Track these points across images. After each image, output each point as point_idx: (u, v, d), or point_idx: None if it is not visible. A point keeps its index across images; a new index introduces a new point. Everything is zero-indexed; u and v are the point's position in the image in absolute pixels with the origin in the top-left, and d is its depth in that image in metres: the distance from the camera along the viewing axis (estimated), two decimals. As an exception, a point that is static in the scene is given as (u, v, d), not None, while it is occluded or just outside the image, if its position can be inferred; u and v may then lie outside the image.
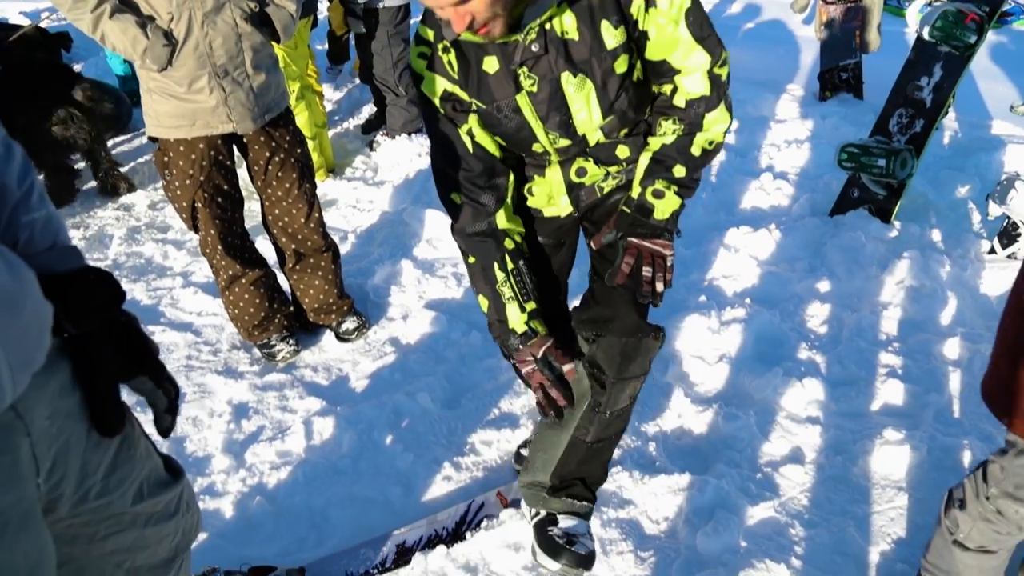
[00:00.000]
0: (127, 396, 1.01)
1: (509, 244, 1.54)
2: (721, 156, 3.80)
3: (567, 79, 1.41)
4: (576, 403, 1.53)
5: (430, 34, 1.45)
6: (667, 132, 1.48)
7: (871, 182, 3.08)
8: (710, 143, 1.49)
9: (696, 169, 1.51)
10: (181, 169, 2.27)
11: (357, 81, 4.88)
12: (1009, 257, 2.78)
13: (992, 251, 2.82)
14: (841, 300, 2.65)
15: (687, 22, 1.37)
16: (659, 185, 1.48)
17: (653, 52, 1.41)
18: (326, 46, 5.25)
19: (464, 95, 1.46)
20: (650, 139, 1.53)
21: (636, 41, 1.42)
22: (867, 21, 4.16)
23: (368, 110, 4.61)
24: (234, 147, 2.38)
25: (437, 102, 1.48)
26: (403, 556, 1.80)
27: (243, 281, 2.47)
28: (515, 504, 1.87)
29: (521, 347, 1.50)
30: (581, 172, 1.59)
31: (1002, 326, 1.34)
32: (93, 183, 3.85)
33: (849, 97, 4.33)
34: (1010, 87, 4.48)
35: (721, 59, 1.42)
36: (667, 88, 1.47)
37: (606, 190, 1.62)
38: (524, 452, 2.00)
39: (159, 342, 2.65)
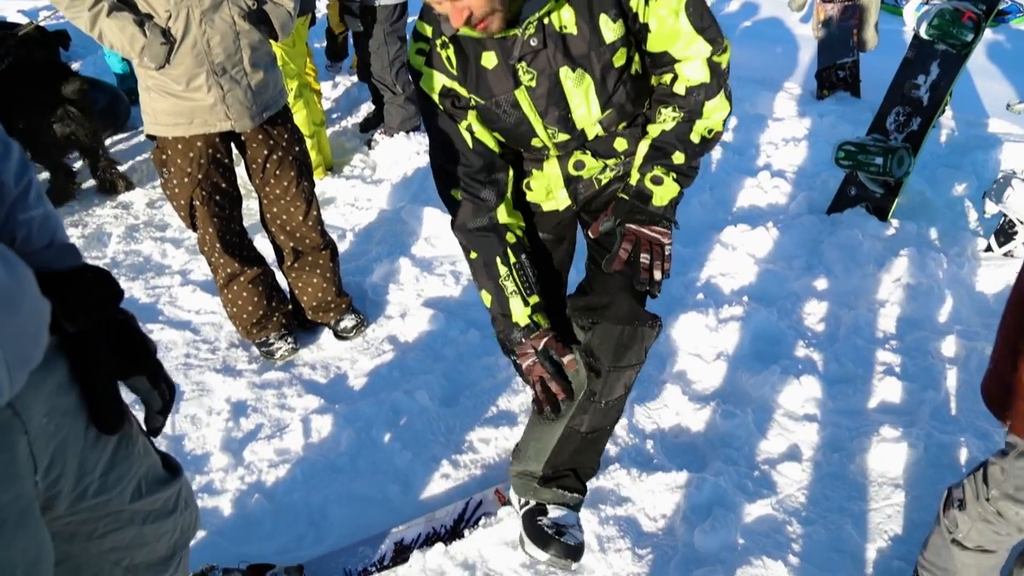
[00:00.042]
0: (124, 394, 1.01)
1: (511, 238, 1.54)
2: (719, 154, 3.80)
3: (566, 74, 1.41)
4: (575, 392, 1.53)
5: (428, 30, 1.45)
6: (666, 119, 1.48)
7: (868, 180, 3.08)
8: (709, 131, 1.49)
9: (695, 157, 1.50)
10: (179, 167, 2.26)
11: (355, 79, 4.88)
12: (1005, 255, 2.79)
13: (989, 249, 2.83)
14: (838, 298, 2.65)
15: (687, 13, 1.37)
16: (658, 171, 1.48)
17: (654, 44, 1.41)
18: (324, 44, 5.25)
19: (463, 91, 1.46)
20: (649, 127, 1.52)
21: (636, 34, 1.42)
22: (864, 19, 4.16)
23: (366, 108, 4.61)
24: (232, 145, 2.38)
25: (436, 98, 1.48)
26: (401, 554, 1.80)
27: (241, 279, 2.47)
28: (513, 502, 1.87)
29: (523, 340, 1.51)
30: (579, 165, 1.59)
31: (1002, 326, 1.33)
32: (92, 182, 3.85)
33: (846, 95, 4.34)
34: (1007, 85, 4.48)
35: (722, 48, 1.42)
36: (667, 77, 1.47)
37: (604, 182, 1.62)
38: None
39: (157, 340, 2.65)
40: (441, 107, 1.49)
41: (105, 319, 0.97)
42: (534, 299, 1.52)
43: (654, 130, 1.50)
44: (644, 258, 1.44)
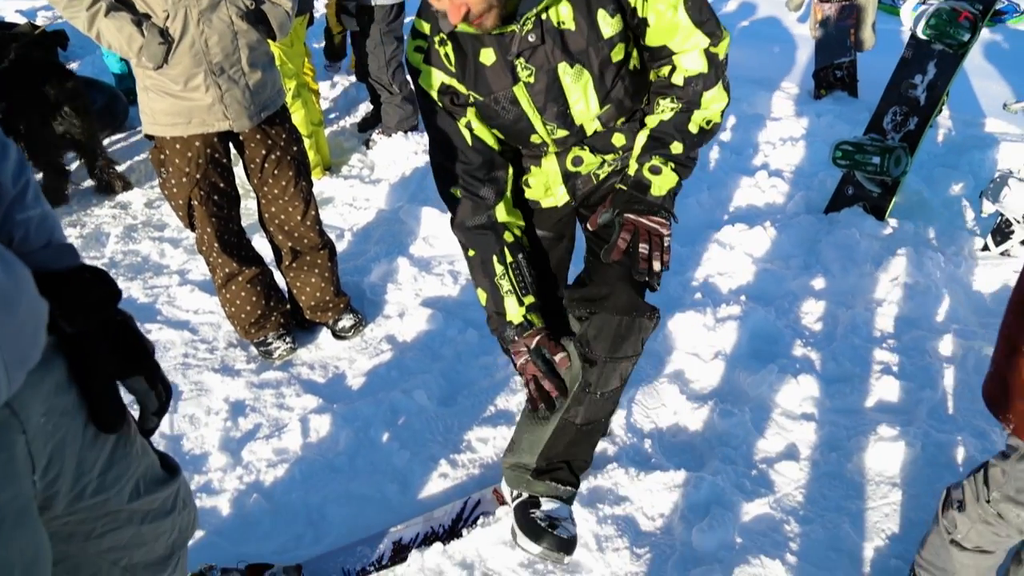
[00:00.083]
0: (122, 395, 1.01)
1: (508, 237, 1.54)
2: (716, 153, 3.81)
3: (564, 69, 1.41)
4: (568, 384, 1.52)
5: (426, 27, 1.45)
6: (665, 110, 1.48)
7: (865, 180, 3.09)
8: (708, 122, 1.49)
9: (693, 147, 1.50)
10: (177, 167, 2.26)
11: (353, 79, 4.88)
12: (1002, 254, 2.79)
13: (985, 248, 2.83)
14: (836, 297, 2.66)
15: (686, 7, 1.38)
16: (656, 161, 1.47)
17: (653, 38, 1.42)
18: (323, 44, 5.25)
19: (461, 88, 1.46)
20: (647, 118, 1.52)
21: (634, 29, 1.42)
22: (862, 19, 4.17)
23: (364, 108, 4.61)
24: (230, 145, 2.38)
25: (435, 95, 1.48)
26: (400, 553, 1.80)
27: (240, 279, 2.47)
28: (511, 501, 1.87)
29: (517, 338, 1.51)
30: (577, 161, 1.59)
31: (1004, 327, 1.33)
32: (90, 182, 3.85)
33: (844, 95, 4.35)
34: (1004, 85, 4.49)
35: (720, 39, 1.42)
36: (665, 70, 1.47)
37: (602, 177, 1.62)
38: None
39: (156, 340, 2.66)
40: (440, 104, 1.49)
41: (103, 319, 0.97)
42: (529, 299, 1.52)
43: (652, 121, 1.50)
44: (643, 248, 1.42)
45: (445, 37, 1.42)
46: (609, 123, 1.53)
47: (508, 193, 1.57)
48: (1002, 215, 2.76)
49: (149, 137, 2.29)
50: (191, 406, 2.36)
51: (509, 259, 1.53)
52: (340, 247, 3.16)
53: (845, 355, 2.37)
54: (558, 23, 1.38)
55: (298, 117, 3.47)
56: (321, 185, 3.70)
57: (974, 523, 1.42)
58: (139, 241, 3.35)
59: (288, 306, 2.63)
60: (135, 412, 1.08)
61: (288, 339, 2.58)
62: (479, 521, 1.86)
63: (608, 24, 1.38)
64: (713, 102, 1.47)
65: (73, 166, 3.91)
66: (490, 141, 1.52)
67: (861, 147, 3.01)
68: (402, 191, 3.58)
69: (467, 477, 2.05)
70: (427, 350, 2.55)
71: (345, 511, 1.96)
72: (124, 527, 1.03)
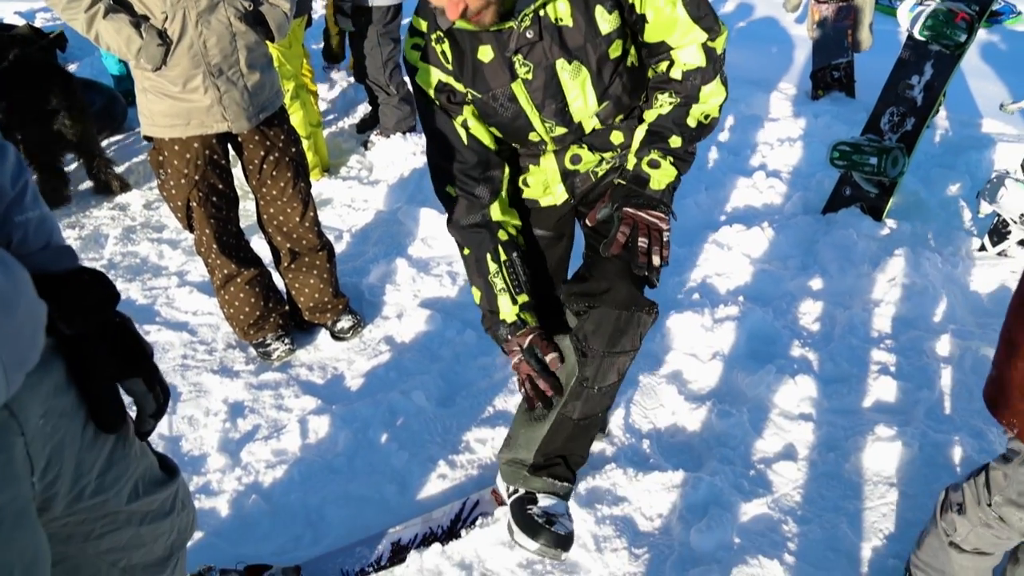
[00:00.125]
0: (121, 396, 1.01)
1: (503, 236, 1.54)
2: (714, 154, 3.81)
3: (562, 66, 1.41)
4: (564, 380, 1.51)
5: (423, 25, 1.45)
6: (663, 104, 1.48)
7: (863, 180, 3.10)
8: (706, 116, 1.48)
9: (692, 141, 1.50)
10: (176, 168, 2.27)
11: (352, 80, 4.88)
12: (999, 254, 2.80)
13: (982, 248, 2.84)
14: (833, 298, 2.66)
15: (684, 2, 1.38)
16: (655, 155, 1.47)
17: (651, 34, 1.42)
18: (321, 45, 5.25)
19: (459, 86, 1.46)
20: (645, 113, 1.52)
21: (632, 25, 1.42)
22: (859, 20, 4.18)
23: (363, 109, 4.61)
24: (229, 146, 2.39)
25: (432, 93, 1.48)
26: (398, 554, 1.81)
27: (238, 280, 2.47)
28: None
29: (510, 337, 1.51)
30: (576, 159, 1.59)
31: (1005, 330, 1.32)
32: (88, 183, 3.85)
33: (841, 96, 4.36)
34: (1000, 85, 4.50)
35: (718, 34, 1.43)
36: (663, 65, 1.47)
37: (600, 175, 1.62)
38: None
39: (154, 341, 2.66)
40: (437, 102, 1.49)
41: (102, 321, 0.97)
42: (523, 298, 1.52)
43: (650, 115, 1.50)
44: (642, 242, 1.41)
45: (442, 34, 1.42)
46: (607, 120, 1.53)
47: (504, 193, 1.57)
48: (999, 215, 2.77)
49: (148, 138, 2.29)
50: (190, 407, 2.36)
51: (503, 257, 1.53)
52: (339, 248, 3.17)
53: (843, 355, 2.38)
54: (556, 19, 1.38)
55: (296, 118, 3.47)
56: (320, 186, 3.70)
57: (974, 526, 1.42)
58: (138, 242, 3.36)
59: (287, 307, 2.63)
60: (133, 414, 1.08)
61: (287, 340, 2.58)
62: (478, 522, 1.86)
63: (606, 20, 1.39)
64: (711, 96, 1.47)
65: (72, 167, 3.91)
66: (486, 140, 1.52)
67: (858, 148, 3.02)
68: (400, 192, 3.58)
69: (465, 478, 2.05)
70: (425, 351, 2.56)
71: (344, 512, 1.96)
72: (123, 528, 1.03)
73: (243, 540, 1.90)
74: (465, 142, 1.50)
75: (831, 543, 1.79)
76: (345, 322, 2.64)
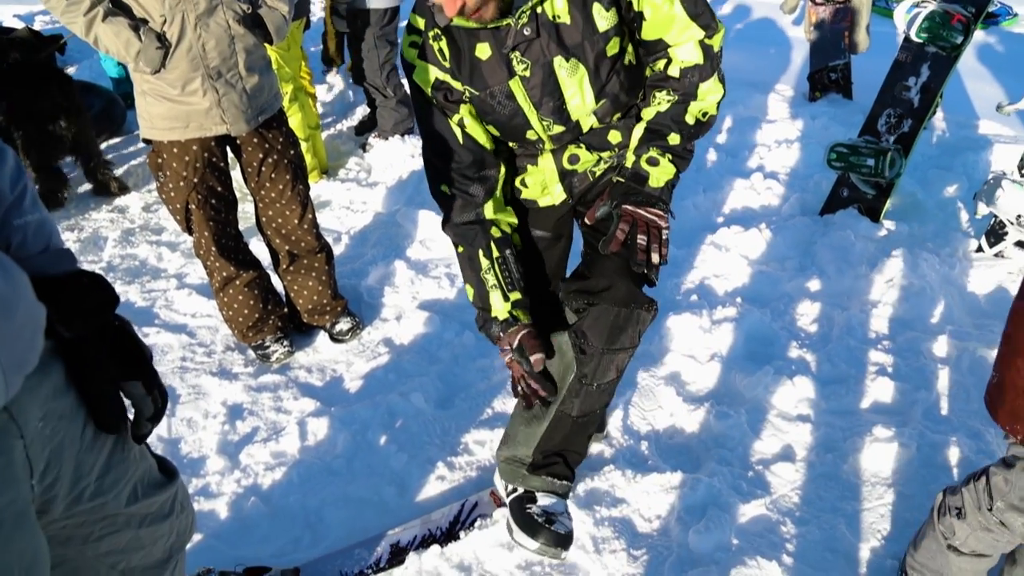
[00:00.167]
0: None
1: (496, 233, 1.54)
2: (712, 156, 3.82)
3: (560, 63, 1.41)
4: (561, 377, 1.51)
5: (421, 23, 1.45)
6: (661, 102, 1.48)
7: (860, 182, 3.10)
8: (704, 113, 1.49)
9: (690, 138, 1.50)
10: (175, 171, 2.27)
11: (350, 82, 4.89)
12: (996, 256, 2.81)
13: (980, 249, 2.85)
14: (831, 299, 2.67)
15: (681, 0, 1.39)
16: (653, 153, 1.47)
17: (649, 32, 1.42)
18: (320, 48, 5.25)
19: (457, 84, 1.46)
20: (643, 111, 1.52)
21: (630, 23, 1.43)
22: (856, 22, 4.19)
23: (361, 112, 4.61)
24: (228, 149, 2.39)
25: (429, 91, 1.48)
26: (397, 556, 1.81)
27: (237, 283, 2.47)
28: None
29: (501, 335, 1.50)
30: (573, 159, 1.59)
31: (1006, 336, 1.32)
32: (87, 186, 3.85)
33: (838, 97, 4.37)
34: (997, 87, 4.51)
35: (715, 31, 1.43)
36: (660, 64, 1.47)
37: (598, 174, 1.62)
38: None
39: (153, 344, 2.66)
40: (434, 101, 1.49)
41: (101, 324, 0.98)
42: (515, 295, 1.51)
43: (648, 113, 1.50)
44: (641, 239, 1.41)
45: (440, 32, 1.42)
46: (605, 119, 1.53)
47: (498, 192, 1.57)
48: (996, 216, 2.77)
49: (147, 141, 2.30)
50: (189, 410, 2.36)
51: (495, 254, 1.52)
52: (337, 250, 3.17)
53: (840, 356, 2.38)
54: (553, 16, 1.38)
55: (295, 121, 3.48)
56: (318, 188, 3.70)
57: (974, 530, 1.42)
58: (137, 245, 3.36)
59: (285, 309, 2.64)
60: (131, 417, 1.08)
61: (285, 342, 2.58)
62: (477, 523, 1.87)
63: (603, 18, 1.39)
64: (709, 93, 1.47)
65: (73, 174, 3.91)
66: (482, 140, 1.52)
67: (856, 149, 3.03)
68: (399, 194, 3.59)
69: (464, 479, 2.05)
70: (424, 353, 2.56)
71: (343, 514, 1.96)
72: (122, 530, 1.03)
73: (242, 542, 1.90)
74: (460, 141, 1.50)
75: (829, 544, 1.79)
76: (344, 324, 2.65)
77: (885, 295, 2.64)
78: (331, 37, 4.99)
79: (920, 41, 2.91)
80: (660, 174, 1.47)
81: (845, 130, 3.78)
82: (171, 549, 1.13)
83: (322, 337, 2.67)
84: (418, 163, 3.79)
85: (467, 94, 1.47)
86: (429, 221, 3.23)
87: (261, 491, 2.05)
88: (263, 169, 2.39)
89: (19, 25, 4.34)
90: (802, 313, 2.62)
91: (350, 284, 2.94)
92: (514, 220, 1.61)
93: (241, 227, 2.53)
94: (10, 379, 0.78)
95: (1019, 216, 2.66)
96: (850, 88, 4.36)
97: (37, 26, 5.62)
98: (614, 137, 1.57)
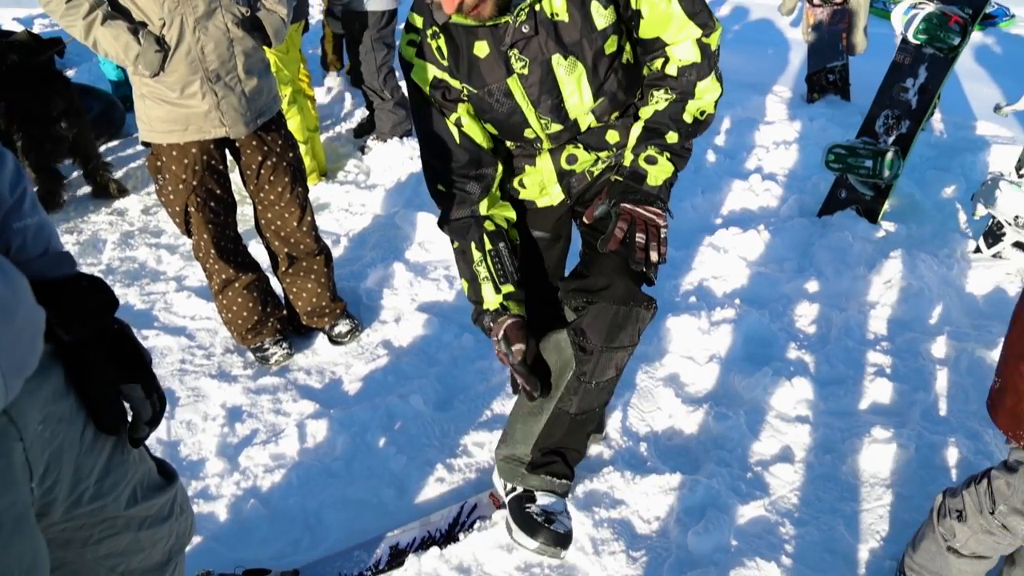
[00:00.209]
0: (120, 400, 1.02)
1: (489, 226, 1.54)
2: (710, 157, 3.83)
3: (558, 61, 1.42)
4: (559, 373, 1.51)
5: (419, 21, 1.46)
6: (659, 100, 1.48)
7: (858, 183, 3.11)
8: (701, 112, 1.49)
9: (688, 137, 1.50)
10: (174, 174, 2.27)
11: (349, 85, 4.90)
12: (994, 256, 2.81)
13: (978, 250, 2.85)
14: (829, 300, 2.67)
15: None
16: (652, 151, 1.47)
17: (646, 30, 1.43)
18: (318, 51, 5.26)
19: (455, 82, 1.46)
20: (641, 110, 1.52)
21: (628, 21, 1.43)
22: (854, 23, 4.20)
23: (360, 114, 4.62)
24: (227, 151, 2.39)
25: (427, 90, 1.48)
26: (396, 558, 1.81)
27: (236, 285, 2.47)
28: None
29: (491, 325, 1.50)
30: (572, 159, 1.59)
31: (1009, 341, 1.31)
32: (86, 189, 3.85)
33: (836, 99, 4.38)
34: (994, 88, 4.53)
35: (712, 29, 1.44)
36: (658, 63, 1.48)
37: (596, 174, 1.62)
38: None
39: (153, 346, 2.66)
40: (431, 99, 1.49)
41: (100, 327, 0.98)
42: (507, 288, 1.50)
43: (646, 112, 1.50)
44: (640, 238, 1.41)
45: (438, 30, 1.43)
46: (603, 117, 1.53)
47: (495, 189, 1.57)
48: (994, 217, 2.78)
49: (146, 144, 2.30)
50: (188, 412, 2.36)
51: (488, 247, 1.52)
52: (336, 253, 3.17)
53: (839, 358, 2.38)
54: (552, 14, 1.39)
55: (294, 123, 3.48)
56: (317, 191, 3.71)
57: (975, 533, 1.42)
58: (136, 248, 3.36)
59: (284, 312, 2.64)
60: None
61: (284, 345, 2.58)
62: (476, 525, 1.87)
63: (601, 16, 1.39)
64: (707, 92, 1.48)
65: (72, 177, 3.92)
66: (480, 139, 1.52)
67: (854, 150, 3.03)
68: (398, 196, 3.59)
69: (464, 481, 2.05)
70: (423, 355, 2.56)
71: (342, 516, 1.96)
72: (121, 533, 1.03)
73: (241, 544, 1.90)
74: (457, 140, 1.51)
75: (828, 545, 1.80)
76: (343, 326, 2.65)
77: (883, 296, 2.65)
78: (328, 40, 4.99)
79: (918, 42, 2.92)
80: (658, 172, 1.47)
81: (843, 131, 3.79)
82: (170, 551, 1.13)
83: (321, 339, 2.67)
84: (417, 165, 3.80)
85: (465, 92, 1.47)
86: (428, 223, 3.24)
87: (260, 493, 2.05)
88: (262, 172, 2.39)
89: (18, 28, 4.34)
90: (800, 314, 2.62)
91: (349, 286, 2.94)
92: (511, 215, 1.61)
93: (240, 229, 2.53)
94: (10, 382, 0.79)
95: (1017, 217, 2.67)
96: (848, 89, 4.37)
97: (36, 29, 5.63)
98: (612, 137, 1.57)
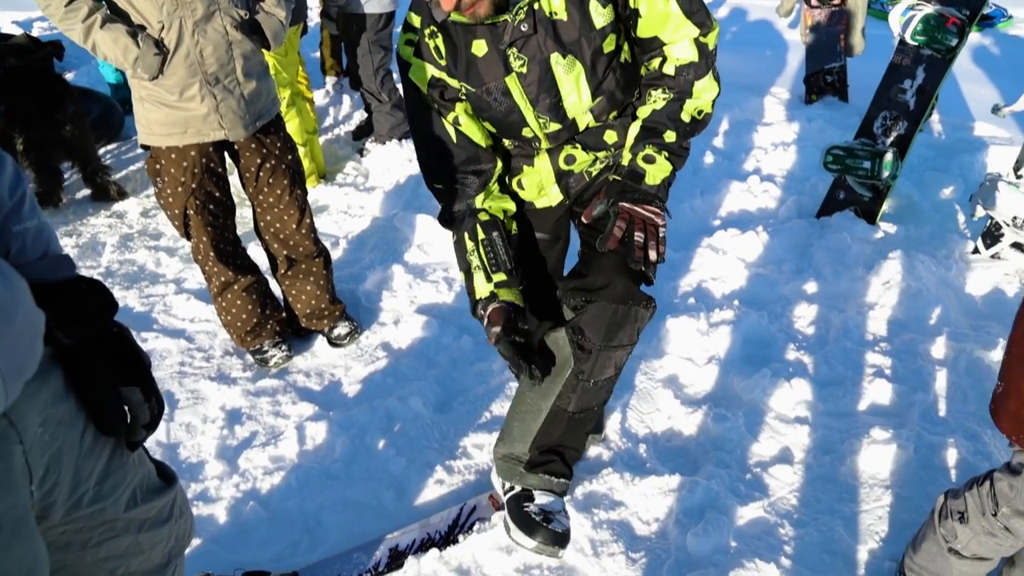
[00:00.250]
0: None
1: (483, 216, 1.54)
2: (708, 159, 3.83)
3: (556, 59, 1.42)
4: (557, 371, 1.50)
5: (417, 20, 1.46)
6: (657, 100, 1.49)
7: (856, 184, 3.11)
8: (699, 111, 1.49)
9: (686, 136, 1.50)
10: (173, 176, 2.27)
11: (348, 87, 4.90)
12: (993, 257, 2.82)
13: (976, 251, 2.86)
14: (828, 301, 2.68)
15: None
16: (650, 150, 1.47)
17: (644, 29, 1.43)
18: (317, 54, 5.26)
19: (453, 81, 1.46)
20: (639, 109, 1.52)
21: (626, 20, 1.43)
22: (851, 25, 4.21)
23: (359, 116, 4.62)
24: (225, 154, 2.40)
25: (425, 89, 1.48)
26: (396, 560, 1.81)
27: (235, 287, 2.47)
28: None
29: (482, 312, 1.49)
30: (570, 160, 1.59)
31: (1012, 344, 1.31)
32: (85, 191, 3.85)
33: (834, 100, 4.39)
34: (992, 89, 4.54)
35: (709, 29, 1.44)
36: (656, 62, 1.48)
37: (594, 174, 1.63)
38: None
39: (152, 349, 2.66)
40: (429, 98, 1.49)
41: (100, 330, 0.98)
42: (499, 276, 1.49)
43: (644, 111, 1.51)
44: (638, 236, 1.41)
45: (435, 29, 1.43)
46: (601, 117, 1.53)
47: (492, 184, 1.57)
48: (992, 218, 2.79)
49: (145, 147, 2.30)
50: (187, 414, 2.36)
51: (481, 236, 1.52)
52: (335, 255, 3.17)
53: (837, 358, 2.39)
54: (550, 13, 1.39)
55: (293, 126, 3.49)
56: (316, 193, 3.71)
57: (977, 534, 1.42)
58: (135, 250, 3.36)
59: (284, 314, 2.64)
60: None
61: (284, 347, 2.58)
62: (475, 527, 1.87)
63: (600, 14, 1.40)
64: (704, 91, 1.48)
65: (71, 179, 3.92)
66: (477, 137, 1.52)
67: (852, 151, 3.04)
68: (396, 198, 3.60)
69: (463, 483, 2.05)
70: (422, 357, 2.56)
71: (341, 518, 1.96)
72: (121, 536, 1.03)
73: (241, 547, 1.90)
74: (454, 139, 1.51)
75: (827, 546, 1.80)
76: (342, 328, 2.65)
77: (882, 297, 2.65)
78: (326, 45, 4.99)
79: (915, 44, 2.93)
80: (657, 171, 1.48)
81: (841, 132, 3.79)
82: (170, 554, 1.13)
83: (320, 341, 2.67)
84: (415, 167, 3.80)
85: (463, 91, 1.47)
86: (427, 225, 3.24)
87: (260, 495, 2.05)
88: (261, 174, 2.39)
89: (17, 31, 4.35)
90: (799, 315, 2.63)
91: (348, 288, 2.94)
92: (509, 206, 1.60)
93: (239, 232, 2.53)
94: (9, 385, 0.79)
95: (1015, 218, 2.67)
96: (846, 91, 4.38)
97: (35, 32, 5.63)
98: (610, 137, 1.58)
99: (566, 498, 1.67)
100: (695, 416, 2.19)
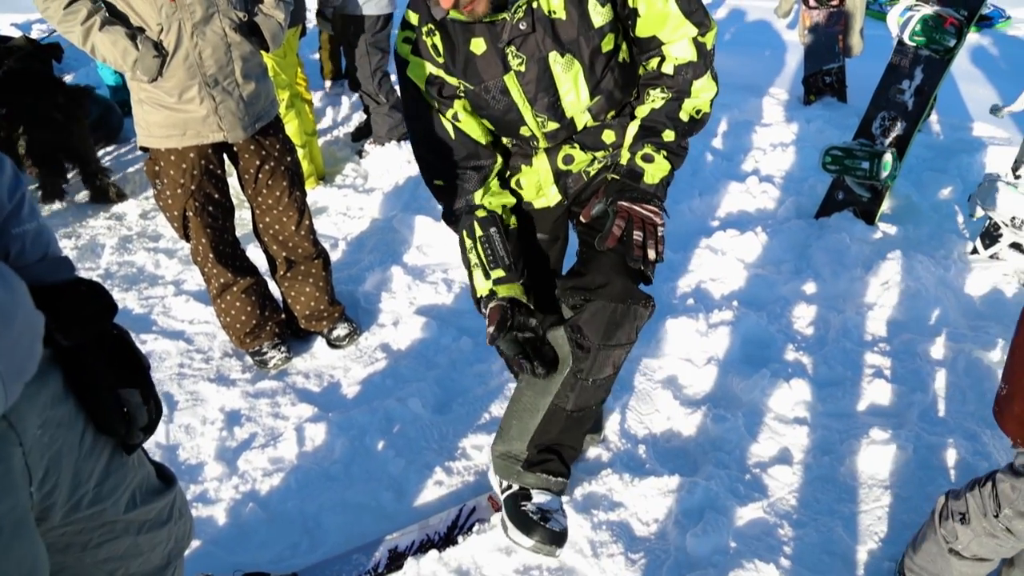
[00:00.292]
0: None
1: (480, 213, 1.54)
2: (707, 159, 3.83)
3: (555, 58, 1.42)
4: (556, 370, 1.50)
5: (415, 18, 1.46)
6: (655, 99, 1.49)
7: (855, 184, 3.12)
8: (698, 111, 1.50)
9: (684, 135, 1.51)
10: (172, 178, 2.28)
11: (347, 89, 4.90)
12: (991, 257, 2.82)
13: (975, 251, 2.86)
14: (826, 301, 2.68)
15: None
16: (648, 149, 1.48)
17: (643, 28, 1.43)
18: (316, 55, 5.26)
19: (451, 79, 1.46)
20: (638, 109, 1.53)
21: (624, 19, 1.44)
22: (850, 25, 4.22)
23: (358, 118, 4.63)
24: (225, 156, 2.40)
25: (423, 87, 1.48)
26: (395, 561, 1.81)
27: (234, 289, 2.48)
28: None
29: (484, 311, 1.49)
30: (568, 159, 1.60)
31: (1016, 343, 1.31)
32: (85, 193, 3.85)
33: (833, 101, 4.39)
34: (991, 89, 4.54)
35: (708, 28, 1.44)
36: (654, 62, 1.48)
37: (592, 174, 1.63)
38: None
39: (151, 350, 2.66)
40: (427, 96, 1.50)
41: (99, 332, 0.98)
42: (497, 273, 1.49)
43: (643, 111, 1.51)
44: (637, 235, 1.41)
45: (433, 27, 1.43)
46: (599, 116, 1.54)
47: (491, 180, 1.57)
48: (990, 218, 2.79)
49: (144, 149, 2.30)
50: (187, 416, 2.36)
51: (478, 233, 1.52)
52: (334, 256, 3.17)
53: (836, 359, 2.39)
54: (549, 12, 1.39)
55: (291, 127, 3.49)
56: (315, 195, 3.71)
57: (978, 535, 1.42)
58: (134, 252, 3.36)
59: (283, 316, 2.64)
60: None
61: (283, 348, 2.58)
62: (474, 528, 1.87)
63: (599, 14, 1.40)
64: (703, 91, 1.48)
65: (71, 180, 3.92)
66: (476, 134, 1.53)
67: (850, 152, 3.04)
68: (395, 200, 3.60)
69: (462, 484, 2.05)
70: (421, 358, 2.56)
71: (341, 519, 1.96)
72: (121, 537, 1.04)
73: (240, 548, 1.90)
74: (452, 137, 1.51)
75: (827, 546, 1.80)
76: (341, 330, 2.65)
77: (881, 297, 2.65)
78: (324, 48, 5.00)
79: (914, 44, 2.93)
80: (655, 171, 1.48)
81: (840, 133, 3.80)
82: (169, 555, 1.14)
83: (319, 343, 2.67)
84: (414, 169, 3.80)
85: (461, 88, 1.47)
86: (426, 226, 3.24)
87: (259, 497, 2.05)
88: (260, 176, 2.39)
89: (16, 33, 4.35)
90: (798, 316, 2.63)
91: (347, 290, 2.95)
92: (508, 200, 1.60)
93: (238, 233, 2.53)
94: (9, 387, 0.79)
95: (1014, 218, 2.68)
96: (844, 91, 4.39)
97: (34, 34, 5.63)
98: (608, 136, 1.58)
99: (565, 498, 1.67)
100: (694, 417, 2.19)
